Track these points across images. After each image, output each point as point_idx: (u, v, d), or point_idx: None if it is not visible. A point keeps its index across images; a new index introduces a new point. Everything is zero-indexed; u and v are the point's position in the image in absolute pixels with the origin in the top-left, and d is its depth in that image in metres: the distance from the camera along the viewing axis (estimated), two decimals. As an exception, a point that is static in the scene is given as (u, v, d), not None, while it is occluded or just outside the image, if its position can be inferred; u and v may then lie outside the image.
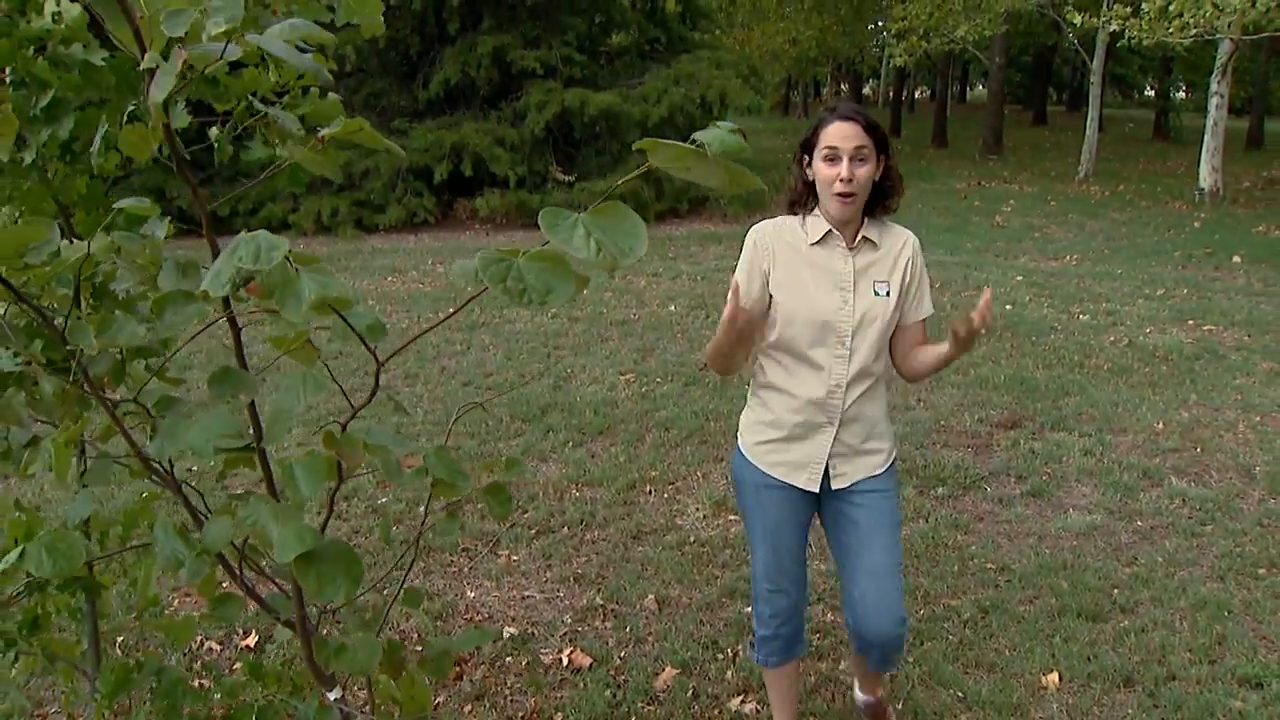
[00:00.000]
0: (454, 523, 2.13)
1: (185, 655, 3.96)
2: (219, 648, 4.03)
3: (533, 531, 4.98)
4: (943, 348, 2.79)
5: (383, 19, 1.78)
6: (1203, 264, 12.63)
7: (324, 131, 1.55)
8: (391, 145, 1.59)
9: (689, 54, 17.07)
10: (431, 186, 14.74)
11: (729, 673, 3.84)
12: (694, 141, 1.37)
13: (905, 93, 41.11)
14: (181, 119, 1.77)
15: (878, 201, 2.88)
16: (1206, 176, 17.80)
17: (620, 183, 1.46)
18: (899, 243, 2.91)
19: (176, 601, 4.42)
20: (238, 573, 2.01)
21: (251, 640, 4.05)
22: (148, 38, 1.44)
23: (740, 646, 4.00)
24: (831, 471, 2.94)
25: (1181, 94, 41.43)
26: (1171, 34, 14.43)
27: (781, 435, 2.94)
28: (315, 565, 1.65)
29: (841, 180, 2.71)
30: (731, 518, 5.18)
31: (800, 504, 3.01)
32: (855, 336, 2.81)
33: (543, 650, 3.98)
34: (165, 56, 1.37)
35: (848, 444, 2.92)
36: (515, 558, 4.72)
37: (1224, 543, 4.99)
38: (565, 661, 3.89)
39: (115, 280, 2.00)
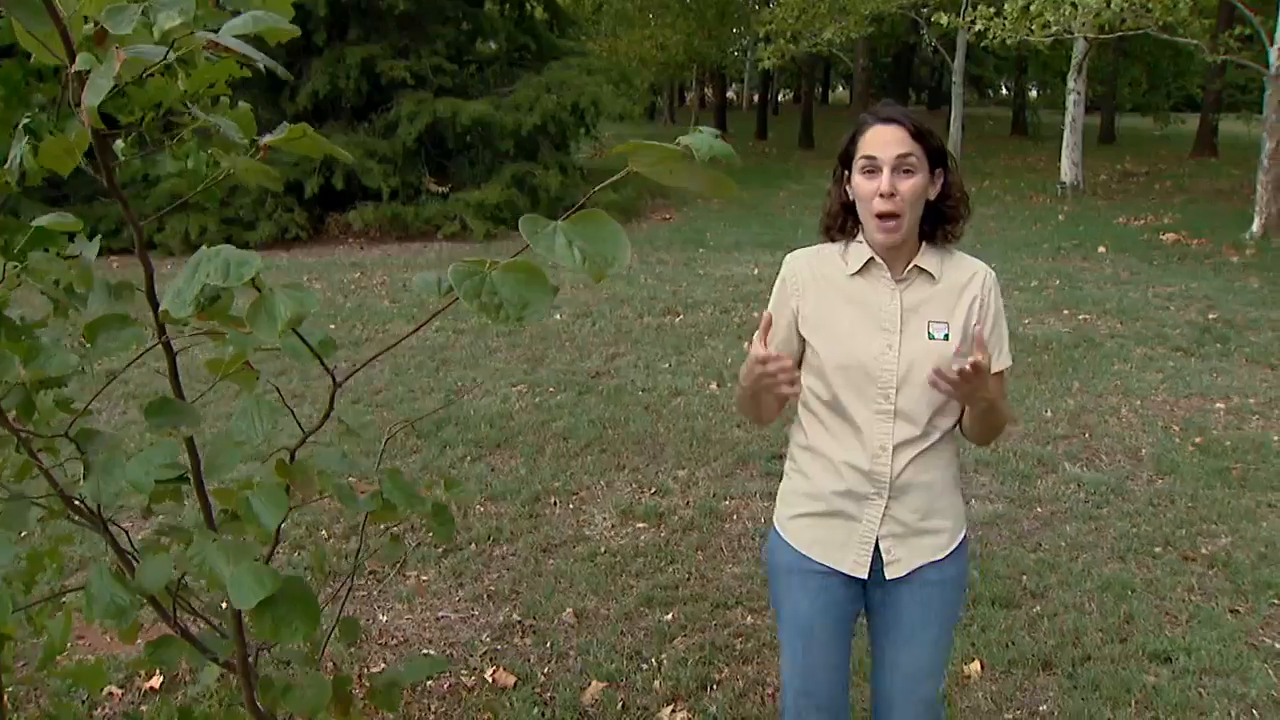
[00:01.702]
0: (398, 548, 2.04)
1: (83, 704, 3.73)
2: (119, 691, 3.82)
3: (439, 550, 4.86)
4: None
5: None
6: (1071, 255, 13.04)
7: (267, 139, 1.46)
8: (339, 151, 1.51)
9: (559, 61, 16.98)
10: (302, 201, 14.40)
11: (656, 682, 3.78)
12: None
13: (770, 96, 41.60)
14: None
15: (937, 226, 2.37)
16: (1067, 171, 18.41)
17: (597, 189, 1.40)
18: (965, 276, 2.36)
19: (71, 644, 4.19)
20: (171, 614, 1.89)
21: (155, 681, 3.85)
22: (74, 38, 1.33)
23: (664, 655, 3.95)
24: (884, 555, 2.39)
25: (1034, 92, 42.73)
26: (1034, 34, 14.89)
27: (821, 509, 2.42)
28: (272, 608, 1.55)
29: (881, 196, 2.22)
30: (640, 525, 5.14)
31: (843, 594, 2.46)
32: (901, 389, 2.30)
33: (464, 672, 3.87)
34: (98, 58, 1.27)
35: (902, 521, 2.37)
36: (425, 578, 4.60)
37: (1120, 524, 5.12)
38: (489, 682, 3.80)
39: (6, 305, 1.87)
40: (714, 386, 7.43)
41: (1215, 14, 19.38)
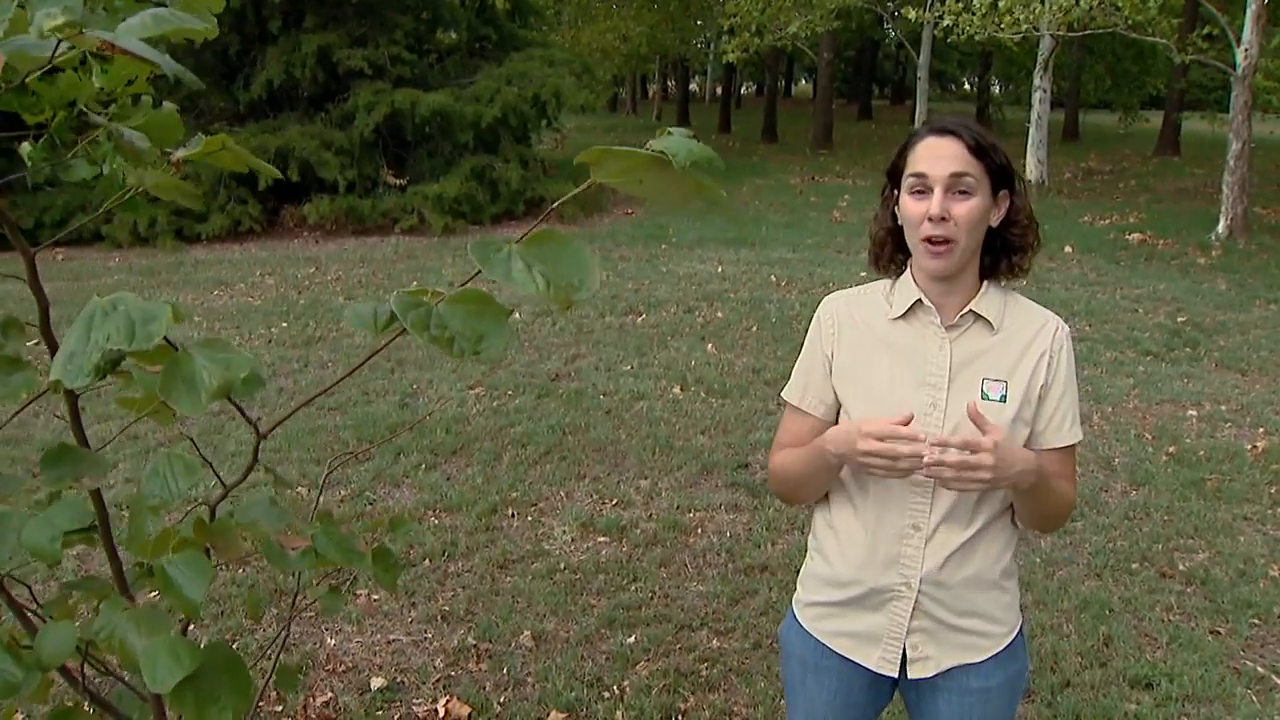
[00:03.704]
0: (338, 600, 1.84)
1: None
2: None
3: (392, 565, 4.63)
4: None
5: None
6: (1037, 255, 12.94)
7: (179, 152, 1.26)
8: (264, 165, 1.30)
9: (520, 52, 16.72)
10: (256, 193, 14.07)
11: (618, 712, 3.60)
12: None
13: (733, 89, 41.50)
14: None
15: (1000, 259, 2.02)
16: (1033, 168, 18.36)
17: (559, 201, 1.20)
18: (1033, 327, 1.99)
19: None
20: (80, 677, 1.68)
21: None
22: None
23: (626, 682, 3.76)
24: (909, 651, 2.04)
25: (996, 88, 42.86)
26: (1002, 30, 14.82)
27: (844, 597, 2.08)
28: (193, 685, 1.34)
29: (930, 220, 1.88)
30: (601, 539, 4.95)
31: (866, 695, 2.14)
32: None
33: (415, 700, 3.67)
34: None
35: (934, 617, 2.00)
36: (375, 597, 4.38)
37: (1096, 539, 4.99)
38: (441, 712, 3.59)
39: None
40: (677, 390, 7.24)
41: (1182, 13, 19.40)
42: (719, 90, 43.49)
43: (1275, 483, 5.75)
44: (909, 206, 1.92)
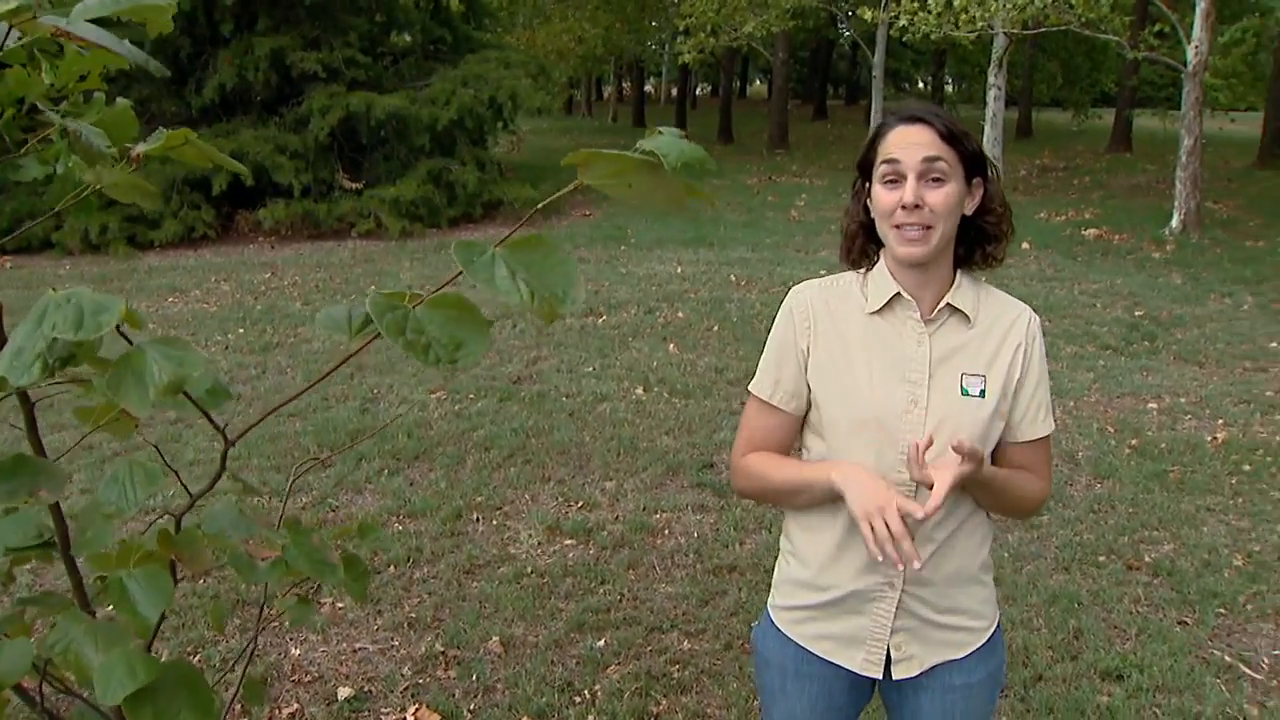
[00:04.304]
0: (308, 610, 1.78)
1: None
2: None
3: (356, 573, 4.56)
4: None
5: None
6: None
7: (139, 148, 1.20)
8: (230, 162, 1.25)
9: (476, 54, 16.63)
10: (210, 198, 13.88)
11: (590, 717, 3.56)
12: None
13: (689, 90, 41.53)
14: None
15: (974, 249, 1.99)
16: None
17: (544, 202, 1.16)
18: (1007, 319, 1.97)
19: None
20: (37, 697, 1.62)
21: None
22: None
23: (597, 686, 3.72)
24: (893, 652, 2.00)
25: (949, 87, 43.15)
26: (958, 28, 14.90)
27: (823, 600, 2.02)
28: (151, 700, 1.29)
29: (903, 207, 1.84)
30: (567, 542, 4.90)
31: (847, 698, 2.10)
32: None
33: (384, 710, 3.60)
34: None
35: (917, 615, 1.97)
36: (340, 605, 4.31)
37: (1063, 532, 5.01)
38: (410, 722, 3.54)
39: None
40: (640, 391, 7.20)
41: (1133, 11, 19.60)
42: (674, 91, 43.49)
43: (1236, 473, 5.80)
44: (882, 196, 1.88)
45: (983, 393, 1.91)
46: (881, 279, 1.97)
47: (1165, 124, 25.30)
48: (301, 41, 14.49)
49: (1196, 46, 13.71)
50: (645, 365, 7.85)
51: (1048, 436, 2.00)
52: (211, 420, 1.21)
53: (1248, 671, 3.92)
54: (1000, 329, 1.95)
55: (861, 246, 2.01)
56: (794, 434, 2.07)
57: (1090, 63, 31.08)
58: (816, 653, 2.05)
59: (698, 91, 56.81)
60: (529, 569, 4.63)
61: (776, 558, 2.19)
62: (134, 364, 0.93)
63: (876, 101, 23.48)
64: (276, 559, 1.45)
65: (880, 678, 2.03)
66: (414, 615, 4.23)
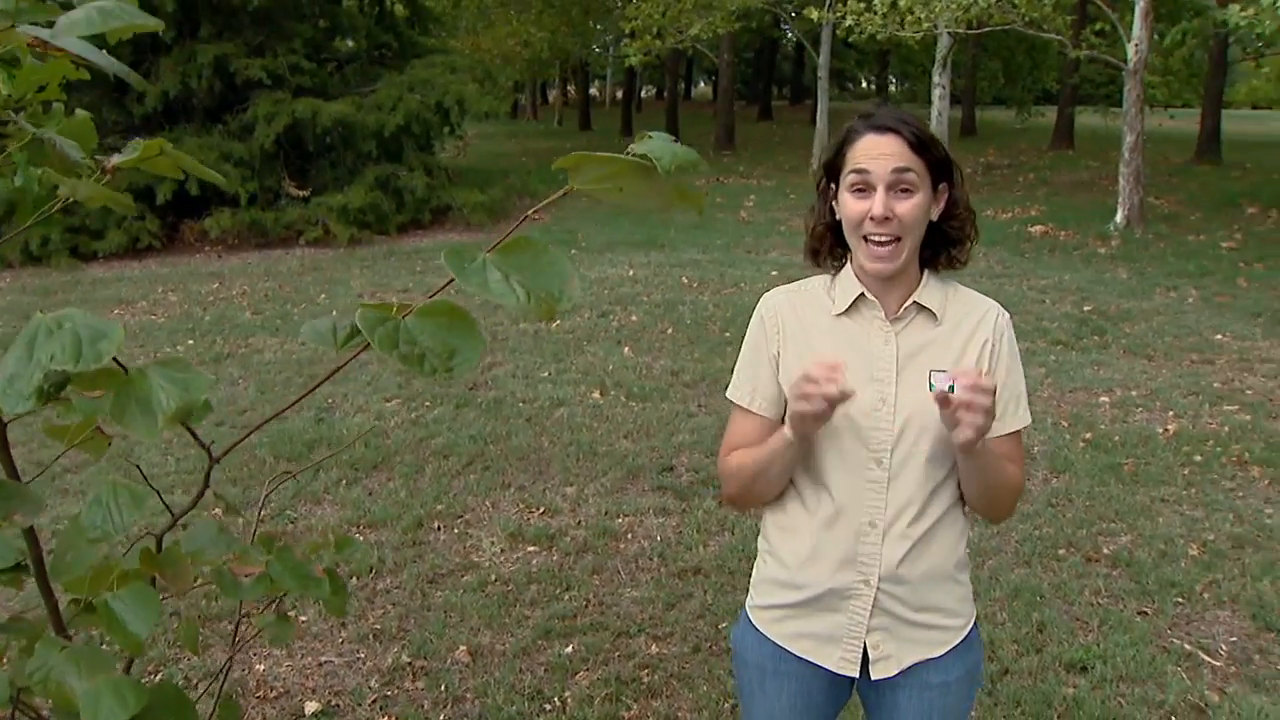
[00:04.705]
0: (288, 627, 1.75)
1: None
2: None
3: (318, 585, 4.51)
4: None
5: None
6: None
7: (115, 159, 1.18)
8: (206, 171, 1.22)
9: (421, 59, 16.51)
10: (154, 208, 13.65)
11: (560, 726, 3.54)
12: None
13: (635, 92, 41.56)
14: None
15: (939, 251, 2.01)
16: (934, 164, 18.65)
17: (536, 209, 1.15)
18: (975, 316, 1.98)
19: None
20: (12, 723, 1.58)
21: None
22: None
23: (568, 693, 3.70)
24: (870, 651, 2.00)
25: (892, 86, 43.50)
26: (904, 28, 15.01)
27: (800, 599, 2.03)
28: (137, 726, 1.26)
29: (872, 219, 1.86)
30: (530, 548, 4.87)
31: (825, 697, 2.10)
32: (897, 452, 1.92)
33: (351, 724, 3.57)
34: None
35: (894, 614, 1.97)
36: (304, 618, 4.26)
37: (1022, 527, 5.05)
38: (379, 735, 3.50)
39: None
40: (597, 395, 7.19)
41: (1074, 10, 19.85)
42: (619, 94, 43.53)
43: (1187, 464, 5.88)
44: (851, 205, 1.90)
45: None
46: (847, 281, 2.00)
47: (1106, 121, 25.63)
48: (245, 48, 14.32)
49: (1136, 45, 13.90)
50: (601, 369, 7.83)
51: (1020, 431, 2.01)
52: (196, 438, 1.19)
53: (1207, 659, 3.97)
54: (968, 326, 1.98)
55: (829, 248, 2.04)
56: None
57: (1031, 61, 31.45)
58: (794, 651, 2.06)
59: (643, 94, 56.86)
60: (493, 577, 4.60)
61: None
62: (138, 390, 0.90)
63: (822, 102, 23.61)
64: (260, 575, 1.42)
65: (857, 677, 2.03)
66: (379, 626, 4.19)
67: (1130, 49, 13.99)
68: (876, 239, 1.88)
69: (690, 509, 5.29)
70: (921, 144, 1.86)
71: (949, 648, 2.03)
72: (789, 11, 26.13)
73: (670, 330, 8.99)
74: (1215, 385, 7.35)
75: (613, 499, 5.45)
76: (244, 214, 13.89)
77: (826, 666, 2.03)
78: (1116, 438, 6.24)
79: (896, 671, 2.01)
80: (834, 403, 1.74)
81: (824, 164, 1.99)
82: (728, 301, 10.13)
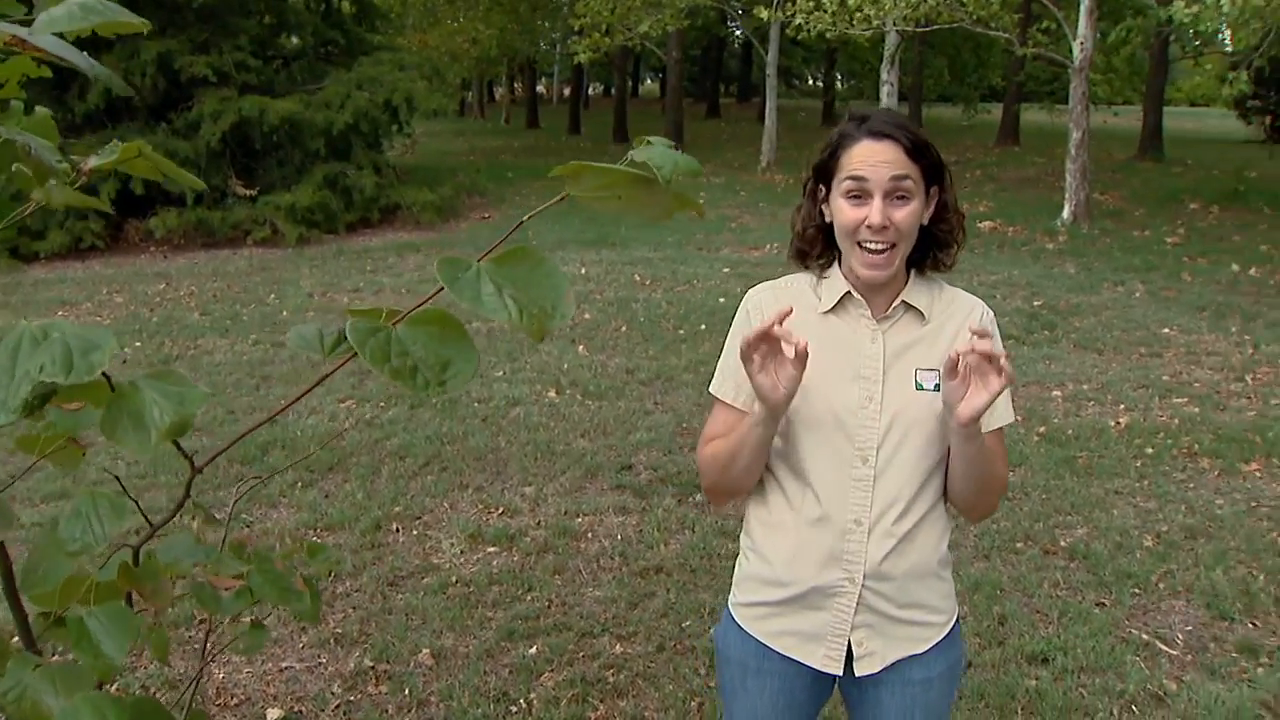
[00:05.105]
0: (262, 636, 1.72)
1: None
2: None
3: (276, 589, 4.45)
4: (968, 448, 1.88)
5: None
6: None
7: (90, 162, 1.14)
8: (188, 176, 1.19)
9: (369, 56, 16.36)
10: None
11: (527, 728, 3.52)
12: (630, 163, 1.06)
13: (582, 89, 41.48)
14: None
15: (927, 253, 1.99)
16: (885, 161, 18.79)
17: (530, 215, 1.13)
18: (962, 314, 1.99)
19: None
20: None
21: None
22: None
23: (533, 695, 3.68)
24: (855, 649, 2.00)
25: (839, 84, 43.71)
26: (853, 26, 15.08)
27: (785, 596, 2.02)
28: (116, 744, 1.22)
29: (869, 228, 1.84)
30: (490, 549, 4.85)
31: (807, 695, 2.09)
32: (883, 450, 1.91)
33: (314, 731, 3.53)
34: None
35: (878, 611, 1.97)
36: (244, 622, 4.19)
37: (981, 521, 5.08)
38: (343, 741, 3.46)
39: None
40: (552, 394, 7.16)
41: (1020, 8, 20.05)
42: (566, 91, 43.42)
43: (1140, 456, 5.96)
44: (847, 212, 1.88)
45: (937, 386, 1.92)
46: (835, 279, 1.99)
47: (1052, 118, 25.92)
48: (190, 45, 14.11)
49: (1082, 43, 14.06)
50: (556, 367, 7.80)
51: (1003, 428, 2.02)
52: (180, 448, 1.16)
53: (1164, 648, 4.03)
54: (954, 324, 1.97)
55: (820, 250, 2.01)
56: None
57: (977, 59, 31.76)
58: (777, 649, 2.05)
59: (590, 91, 56.79)
60: (454, 578, 4.57)
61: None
62: (130, 404, 0.87)
63: (770, 99, 23.70)
64: (241, 588, 1.39)
65: (840, 675, 2.03)
66: (340, 631, 4.14)
67: (1076, 47, 14.15)
68: (872, 246, 1.86)
69: (650, 507, 5.28)
70: (917, 149, 1.86)
71: (932, 644, 2.03)
72: (736, 9, 26.18)
73: (624, 328, 8.98)
74: (1164, 378, 7.46)
75: (572, 498, 5.43)
76: (190, 213, 13.68)
77: (810, 664, 2.02)
78: (1070, 431, 6.31)
79: (881, 668, 2.01)
80: (796, 368, 1.75)
81: (815, 166, 1.97)
82: (680, 299, 10.14)
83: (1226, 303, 9.94)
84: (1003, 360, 1.71)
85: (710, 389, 2.11)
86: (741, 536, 2.17)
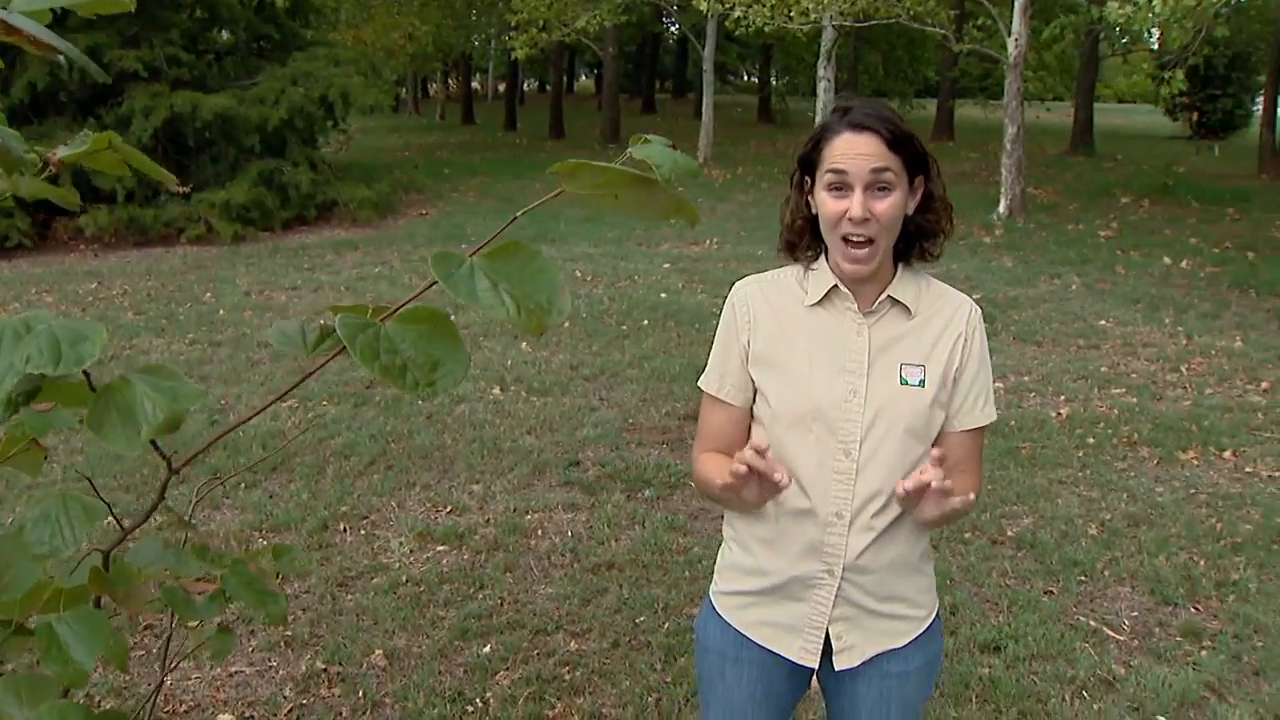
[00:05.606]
0: (229, 641, 1.68)
1: None
2: None
3: (223, 592, 4.37)
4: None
5: None
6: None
7: (60, 153, 1.10)
8: (161, 171, 1.16)
9: (304, 51, 16.11)
10: (24, 205, 13.12)
11: (483, 728, 3.48)
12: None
13: (518, 86, 41.31)
14: None
15: (913, 244, 2.00)
16: (821, 157, 18.91)
17: (523, 211, 1.11)
18: (948, 310, 1.99)
19: None
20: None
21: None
22: None
23: (489, 694, 3.65)
24: (834, 642, 2.01)
25: (775, 80, 43.88)
26: (792, 20, 15.15)
27: (765, 586, 2.03)
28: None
29: (851, 220, 1.84)
30: (440, 548, 4.80)
31: (785, 685, 2.10)
32: (866, 443, 1.91)
33: (267, 735, 3.47)
34: None
35: (856, 604, 1.98)
36: (209, 627, 4.11)
37: (928, 513, 5.12)
38: (297, 745, 3.41)
39: None
40: (497, 391, 7.12)
41: (956, 4, 20.26)
42: (501, 88, 43.22)
43: (1081, 446, 6.04)
44: (828, 204, 1.88)
45: (922, 382, 1.93)
46: (821, 272, 1.99)
47: (986, 113, 26.22)
48: (119, 38, 13.83)
49: (1016, 39, 14.24)
50: (499, 364, 7.76)
51: (984, 428, 2.04)
52: (157, 448, 1.12)
53: (1111, 634, 4.09)
54: (941, 320, 1.98)
55: (808, 243, 2.02)
56: (746, 426, 2.07)
57: (910, 55, 32.06)
58: (755, 639, 2.06)
59: (525, 87, 56.56)
60: (404, 578, 4.52)
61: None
62: (120, 399, 0.84)
63: (707, 95, 23.76)
64: (214, 592, 1.36)
65: (817, 667, 2.03)
66: (290, 633, 4.08)
67: (1010, 43, 14.32)
68: (854, 239, 1.86)
69: (599, 503, 5.26)
70: (899, 141, 1.85)
71: (911, 638, 2.04)
72: (672, 4, 26.21)
73: (567, 324, 8.94)
74: (1102, 369, 7.57)
75: (520, 495, 5.40)
76: (121, 211, 13.38)
77: (787, 656, 2.03)
78: (1013, 422, 6.38)
79: (860, 662, 2.02)
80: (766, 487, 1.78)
81: (799, 159, 1.97)
82: (622, 294, 10.13)
83: (1160, 295, 10.13)
84: (955, 497, 1.74)
85: (699, 383, 2.12)
86: (724, 525, 2.18)
